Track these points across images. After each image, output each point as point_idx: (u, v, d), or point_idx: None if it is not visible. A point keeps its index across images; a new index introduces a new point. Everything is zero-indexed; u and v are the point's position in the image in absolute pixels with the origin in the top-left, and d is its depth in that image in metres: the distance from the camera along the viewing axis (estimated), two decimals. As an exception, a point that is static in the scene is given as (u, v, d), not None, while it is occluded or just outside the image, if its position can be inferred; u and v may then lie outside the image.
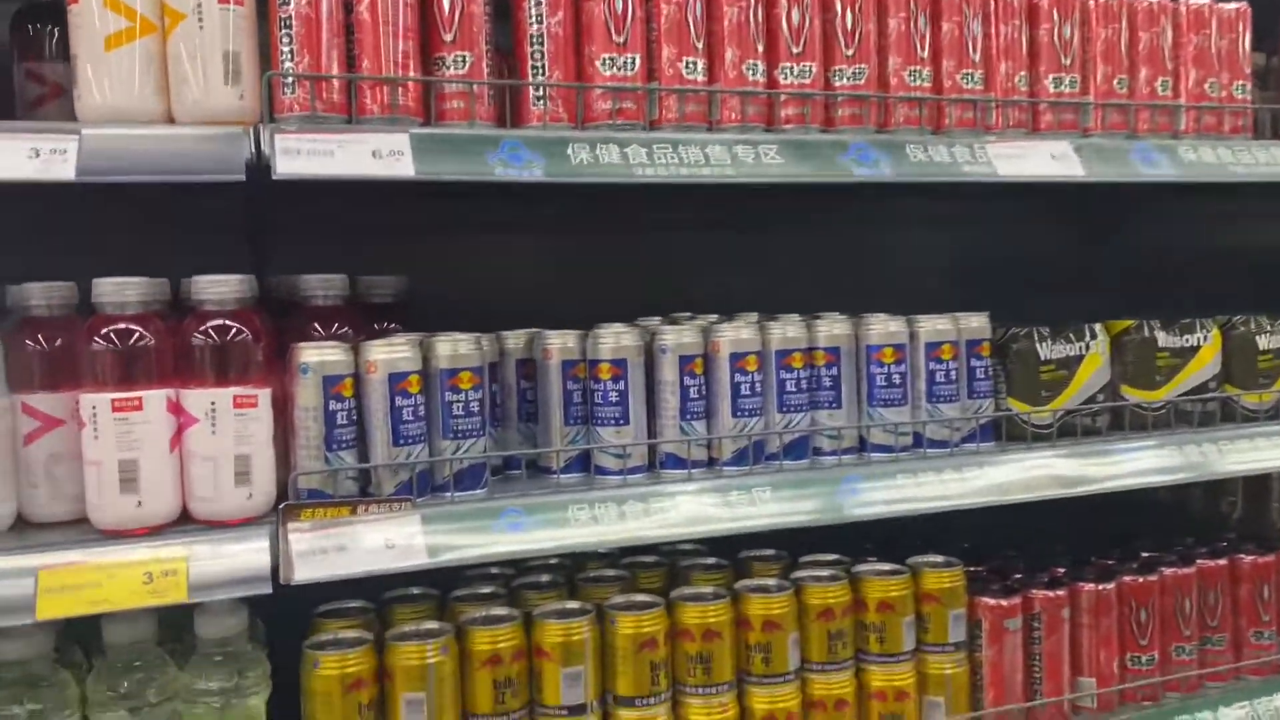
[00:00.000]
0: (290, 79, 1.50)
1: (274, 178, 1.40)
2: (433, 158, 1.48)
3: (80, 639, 1.59)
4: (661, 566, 2.01)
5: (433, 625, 1.69)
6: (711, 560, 1.99)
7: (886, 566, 1.91)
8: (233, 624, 1.53)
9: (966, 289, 2.17)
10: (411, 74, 1.55)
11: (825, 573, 1.89)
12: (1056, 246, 2.66)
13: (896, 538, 2.00)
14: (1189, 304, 2.24)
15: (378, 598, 1.83)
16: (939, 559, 1.96)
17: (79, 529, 1.47)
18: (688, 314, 2.10)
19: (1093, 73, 1.98)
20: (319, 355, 1.54)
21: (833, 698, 1.79)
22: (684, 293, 2.20)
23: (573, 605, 1.73)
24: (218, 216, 1.92)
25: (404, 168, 1.46)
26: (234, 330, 1.47)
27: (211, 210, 1.92)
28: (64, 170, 1.36)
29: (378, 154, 1.46)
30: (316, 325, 1.66)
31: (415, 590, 1.86)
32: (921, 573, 1.90)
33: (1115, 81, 1.99)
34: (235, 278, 1.49)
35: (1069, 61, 1.95)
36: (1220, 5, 2.08)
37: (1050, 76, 1.95)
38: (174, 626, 1.58)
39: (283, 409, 1.56)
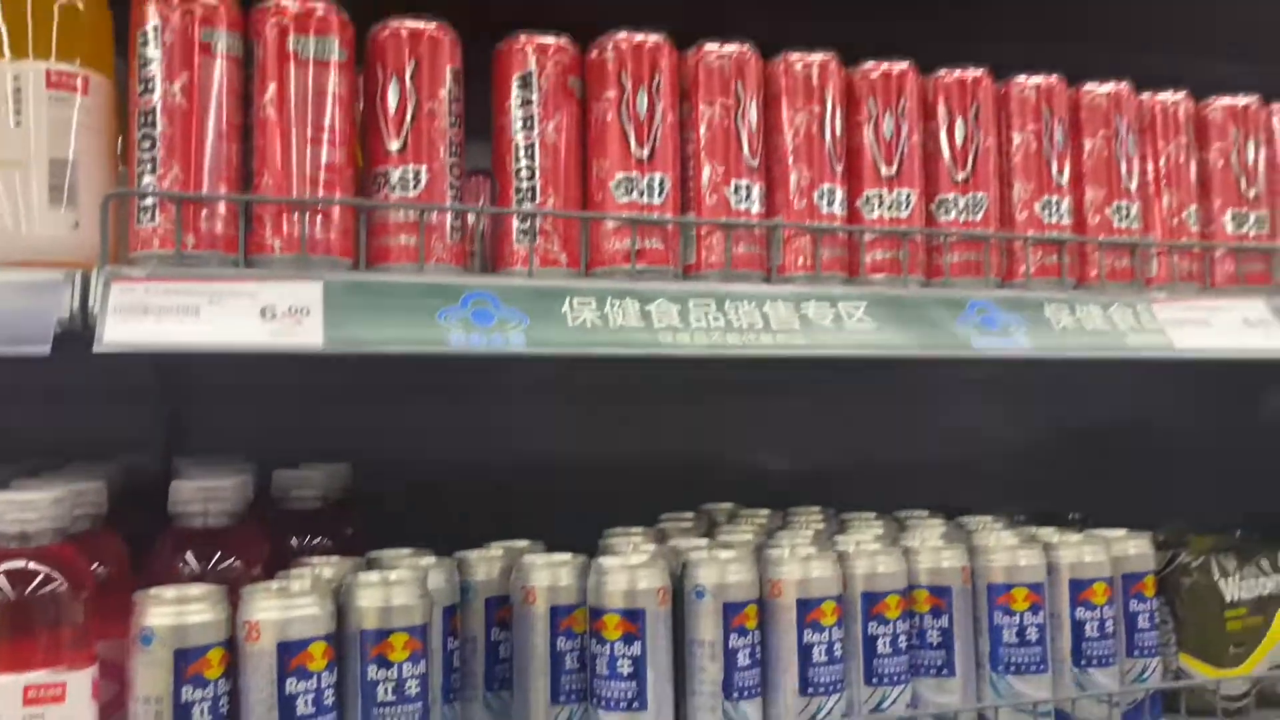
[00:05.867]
0: (150, 200, 1.01)
1: (97, 349, 0.89)
2: (356, 318, 0.98)
3: None
4: None
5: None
6: None
7: None
8: None
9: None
10: (338, 195, 1.07)
11: None
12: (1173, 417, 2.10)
13: None
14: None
15: None
16: None
17: None
18: (728, 504, 1.58)
19: None
20: (173, 616, 1.00)
21: None
22: (705, 465, 1.77)
23: None
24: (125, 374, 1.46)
25: (307, 334, 0.95)
26: (35, 579, 0.95)
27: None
28: None
29: (270, 313, 0.96)
30: (188, 557, 1.12)
31: None
32: None
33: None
34: (46, 497, 0.97)
35: (1253, 194, 1.45)
36: None
37: (1230, 212, 1.45)
38: None
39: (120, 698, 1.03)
